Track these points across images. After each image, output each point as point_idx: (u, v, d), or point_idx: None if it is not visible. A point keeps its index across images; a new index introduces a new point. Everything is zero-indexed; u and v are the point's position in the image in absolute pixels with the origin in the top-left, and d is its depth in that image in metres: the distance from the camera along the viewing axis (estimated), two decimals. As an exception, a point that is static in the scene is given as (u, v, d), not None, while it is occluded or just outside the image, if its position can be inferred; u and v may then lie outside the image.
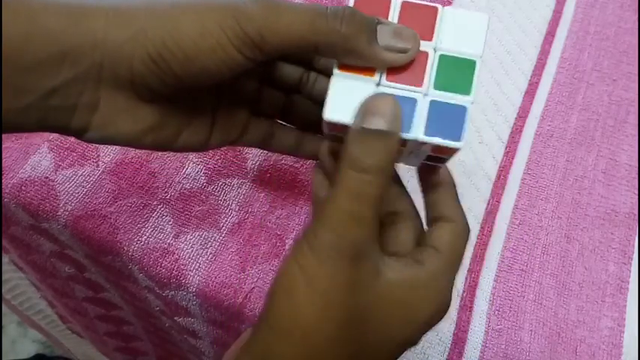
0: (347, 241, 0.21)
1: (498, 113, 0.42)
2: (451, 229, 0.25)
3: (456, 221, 0.25)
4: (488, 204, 0.38)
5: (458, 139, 0.23)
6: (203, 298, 0.34)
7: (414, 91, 0.23)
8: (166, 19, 0.23)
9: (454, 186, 0.26)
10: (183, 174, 0.38)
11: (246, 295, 0.34)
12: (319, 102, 0.30)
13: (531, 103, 0.42)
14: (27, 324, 0.70)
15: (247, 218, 0.36)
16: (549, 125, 0.42)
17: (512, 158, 0.40)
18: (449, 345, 0.33)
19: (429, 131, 0.23)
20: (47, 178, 0.38)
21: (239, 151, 0.39)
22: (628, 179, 0.39)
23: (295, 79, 0.30)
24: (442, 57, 0.24)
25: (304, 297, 0.21)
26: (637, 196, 0.38)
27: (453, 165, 0.40)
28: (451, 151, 0.24)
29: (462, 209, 0.26)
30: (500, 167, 0.39)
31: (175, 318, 0.39)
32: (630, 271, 0.36)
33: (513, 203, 0.38)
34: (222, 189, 0.38)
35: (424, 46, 0.24)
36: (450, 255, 0.24)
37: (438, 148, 0.24)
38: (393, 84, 0.23)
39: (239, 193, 0.37)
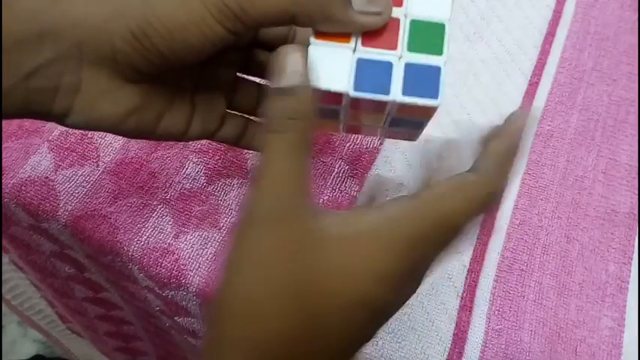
0: (272, 202, 0.21)
1: (498, 113, 0.42)
2: (453, 180, 0.22)
3: (470, 172, 0.22)
4: (488, 204, 0.38)
5: (435, 97, 0.24)
6: (203, 298, 0.34)
7: (390, 55, 0.24)
8: None
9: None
10: (183, 174, 0.38)
11: (246, 295, 0.34)
12: None
13: (531, 103, 0.42)
14: (27, 324, 0.70)
15: (247, 218, 0.36)
16: (549, 125, 0.42)
17: (512, 158, 0.40)
18: (449, 345, 0.33)
19: (406, 92, 0.24)
20: (47, 178, 0.38)
21: (239, 151, 0.39)
22: (628, 179, 0.39)
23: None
24: (413, 22, 0.25)
25: (246, 273, 0.20)
26: (637, 196, 0.38)
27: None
28: (430, 112, 0.25)
29: (489, 163, 0.23)
30: (500, 167, 0.39)
31: (175, 318, 0.39)
32: (630, 271, 0.36)
33: (513, 203, 0.38)
34: (222, 189, 0.38)
35: (395, 12, 0.25)
36: (428, 206, 0.21)
37: (416, 109, 0.24)
38: (368, 49, 0.24)
39: (239, 193, 0.37)
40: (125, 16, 0.22)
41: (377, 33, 0.25)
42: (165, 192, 0.37)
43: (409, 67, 0.24)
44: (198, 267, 0.35)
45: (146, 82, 0.25)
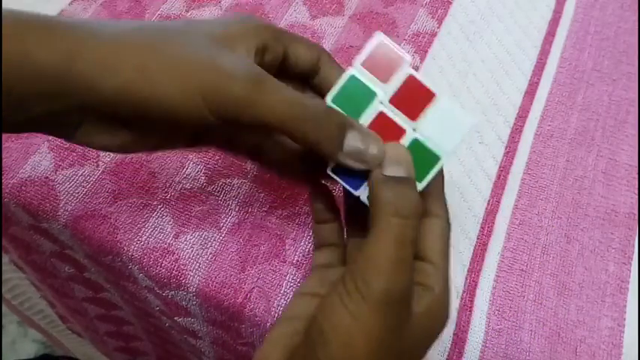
0: (397, 288, 0.22)
1: (498, 113, 0.42)
2: (439, 229, 0.26)
3: (440, 216, 0.26)
4: (488, 204, 0.38)
5: None
6: (203, 298, 0.34)
7: None
8: (154, 74, 0.23)
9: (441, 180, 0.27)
10: (183, 174, 0.38)
11: (246, 295, 0.34)
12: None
13: (531, 103, 0.42)
14: (27, 324, 0.70)
15: (247, 218, 0.36)
16: (549, 125, 0.42)
17: (512, 158, 0.40)
18: (449, 345, 0.33)
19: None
20: (47, 178, 0.38)
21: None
22: (628, 179, 0.39)
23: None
24: (414, 141, 0.26)
25: (362, 346, 0.22)
26: (637, 196, 0.38)
27: (453, 165, 0.40)
28: None
29: (444, 204, 0.26)
30: (500, 167, 0.39)
31: (175, 318, 0.39)
32: (630, 271, 0.36)
33: (513, 203, 0.38)
34: (222, 189, 0.38)
35: (406, 123, 0.26)
36: (444, 266, 0.25)
37: None
38: None
39: (239, 193, 0.37)
40: (130, 94, 0.23)
41: (383, 131, 0.26)
42: (165, 192, 0.37)
43: None
44: (198, 267, 0.35)
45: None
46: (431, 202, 0.26)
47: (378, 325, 0.22)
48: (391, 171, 0.24)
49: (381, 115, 0.26)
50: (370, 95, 0.26)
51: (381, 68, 0.26)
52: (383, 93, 0.26)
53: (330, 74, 0.28)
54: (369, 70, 0.26)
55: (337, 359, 0.22)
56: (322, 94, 0.28)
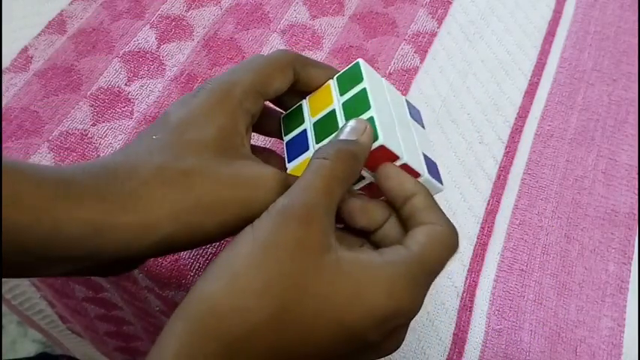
0: (297, 202, 0.22)
1: (498, 113, 0.42)
2: (426, 230, 0.24)
3: (434, 224, 0.24)
4: (488, 204, 0.38)
5: None
6: (203, 298, 0.34)
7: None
8: (187, 226, 0.24)
9: (428, 193, 0.26)
10: (183, 174, 0.38)
11: (246, 295, 0.34)
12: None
13: (531, 103, 0.42)
14: (27, 324, 0.70)
15: (247, 218, 0.36)
16: (549, 125, 0.42)
17: (512, 158, 0.40)
18: (449, 345, 0.33)
19: None
20: (47, 178, 0.37)
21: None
22: (628, 179, 0.39)
23: None
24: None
25: (245, 247, 0.22)
26: (637, 196, 0.38)
27: (453, 165, 0.40)
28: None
29: (442, 214, 0.25)
30: (500, 167, 0.39)
31: (175, 318, 0.39)
32: (630, 271, 0.36)
33: (513, 203, 0.38)
34: (222, 189, 0.37)
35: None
36: (419, 254, 0.23)
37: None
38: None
39: (239, 193, 0.37)
40: (168, 247, 0.25)
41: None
42: (165, 192, 0.37)
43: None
44: (199, 267, 0.35)
45: None
46: (418, 214, 0.25)
47: (268, 231, 0.22)
48: (340, 136, 0.25)
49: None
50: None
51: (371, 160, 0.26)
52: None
53: (309, 80, 0.30)
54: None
55: (220, 257, 0.22)
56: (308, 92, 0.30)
